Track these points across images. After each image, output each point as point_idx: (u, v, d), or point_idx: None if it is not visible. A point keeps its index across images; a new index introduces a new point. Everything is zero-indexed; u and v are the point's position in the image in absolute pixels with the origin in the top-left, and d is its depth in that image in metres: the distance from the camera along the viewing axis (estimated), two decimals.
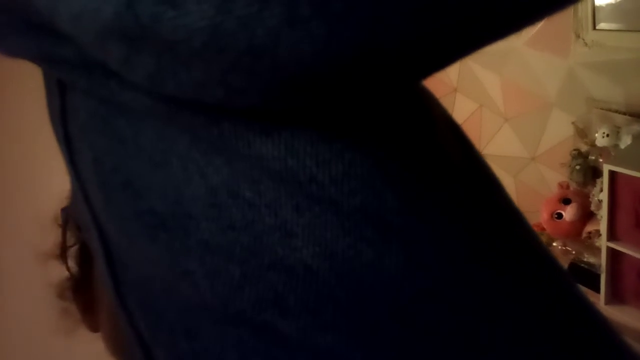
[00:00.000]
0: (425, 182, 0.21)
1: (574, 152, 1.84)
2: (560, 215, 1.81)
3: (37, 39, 0.20)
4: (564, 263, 1.81)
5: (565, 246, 1.85)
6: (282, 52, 0.15)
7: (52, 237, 0.32)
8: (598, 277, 1.66)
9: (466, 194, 0.23)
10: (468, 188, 0.23)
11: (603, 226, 1.59)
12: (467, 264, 0.21)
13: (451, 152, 0.23)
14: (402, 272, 0.20)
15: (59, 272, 0.34)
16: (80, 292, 0.33)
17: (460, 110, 2.28)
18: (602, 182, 1.59)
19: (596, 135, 1.72)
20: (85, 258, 0.32)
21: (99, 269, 0.25)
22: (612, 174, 1.52)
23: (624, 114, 1.71)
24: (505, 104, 2.14)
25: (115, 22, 0.15)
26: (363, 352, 0.20)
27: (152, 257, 0.21)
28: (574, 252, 1.83)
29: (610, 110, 1.75)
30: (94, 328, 0.34)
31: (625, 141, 1.64)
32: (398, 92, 0.22)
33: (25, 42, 0.21)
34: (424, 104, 0.24)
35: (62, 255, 0.33)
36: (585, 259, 1.78)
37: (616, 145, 1.67)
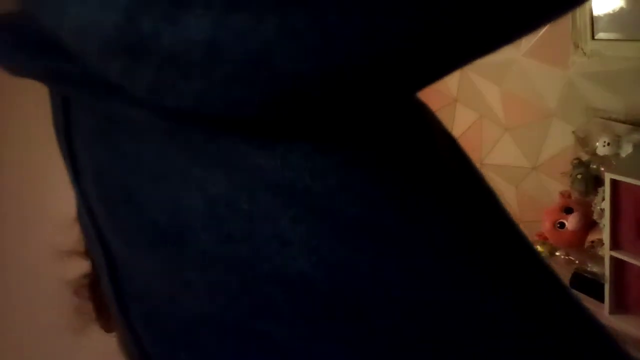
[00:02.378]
0: (422, 193, 0.21)
1: (575, 161, 1.84)
2: (562, 225, 1.81)
3: (43, 57, 0.21)
4: (567, 273, 1.80)
5: (568, 255, 1.84)
6: (279, 63, 0.16)
7: (70, 235, 0.32)
8: (602, 286, 1.65)
9: (463, 206, 0.23)
10: (465, 200, 0.23)
11: (606, 235, 1.58)
12: (465, 275, 0.21)
13: (448, 164, 0.24)
14: (398, 283, 0.20)
15: (73, 270, 0.34)
16: (98, 290, 0.33)
17: (461, 121, 2.28)
18: (603, 191, 1.59)
19: (597, 144, 1.73)
20: None
21: (102, 279, 0.25)
22: (614, 183, 1.52)
23: (624, 122, 1.71)
24: (506, 114, 2.15)
25: (117, 36, 0.16)
26: None
27: (153, 269, 0.22)
28: (577, 262, 1.82)
29: (610, 119, 1.75)
30: (108, 328, 0.34)
31: (626, 150, 1.65)
32: (396, 104, 0.23)
33: (30, 60, 0.22)
34: (421, 115, 0.24)
35: (86, 252, 0.33)
36: (588, 269, 1.78)
37: (617, 154, 1.68)
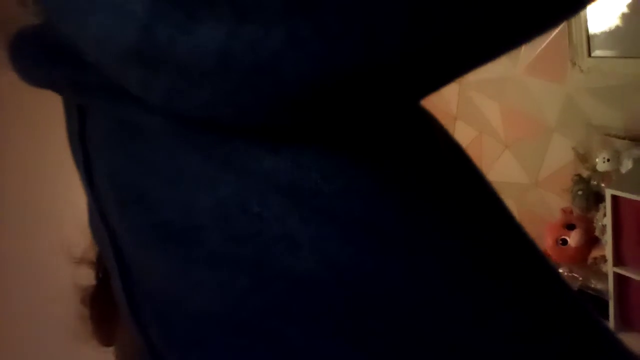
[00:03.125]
0: (426, 193, 0.22)
1: (576, 177, 1.85)
2: (565, 241, 1.80)
3: (62, 67, 0.22)
4: None
5: (571, 272, 1.83)
6: (286, 71, 0.16)
7: (81, 242, 0.33)
8: (606, 303, 1.64)
9: (467, 207, 0.23)
10: (468, 201, 0.24)
11: (608, 251, 1.58)
12: (467, 275, 0.21)
13: (451, 166, 0.24)
14: (403, 282, 0.20)
15: (82, 277, 0.34)
16: (99, 301, 0.33)
17: (461, 138, 2.30)
18: (605, 207, 1.58)
19: (597, 160, 1.73)
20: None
21: (114, 282, 0.26)
22: (615, 199, 1.52)
23: (624, 138, 1.72)
24: (505, 131, 2.16)
25: (134, 47, 0.17)
26: (366, 359, 0.20)
27: (164, 269, 0.22)
28: (580, 279, 1.81)
29: (609, 135, 1.76)
30: (105, 341, 0.34)
31: (627, 165, 1.65)
32: (400, 110, 0.23)
33: (50, 70, 0.23)
34: (425, 121, 0.25)
35: (98, 261, 0.33)
36: (592, 286, 1.76)
37: (617, 170, 1.68)
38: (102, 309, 0.33)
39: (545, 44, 1.87)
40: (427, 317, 0.20)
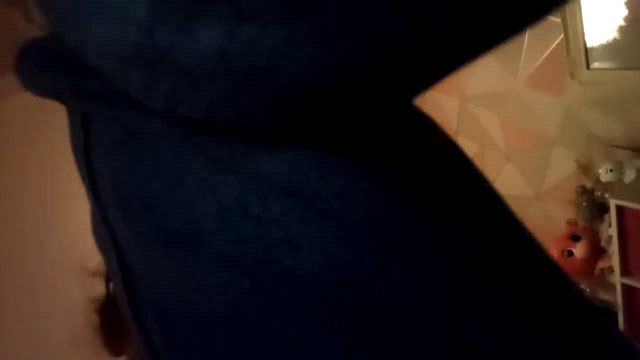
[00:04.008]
0: (426, 193, 0.22)
1: (579, 188, 1.84)
2: (571, 253, 1.79)
3: (68, 75, 0.23)
4: None
5: (578, 285, 1.82)
6: (283, 72, 0.17)
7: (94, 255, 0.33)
8: (615, 315, 1.62)
9: (467, 206, 0.24)
10: (468, 200, 0.24)
11: (615, 262, 1.57)
12: (467, 275, 0.22)
13: (450, 166, 0.25)
14: (403, 282, 0.20)
15: (96, 289, 0.34)
16: (109, 311, 0.34)
17: None
18: (610, 218, 1.58)
19: (599, 171, 1.73)
20: None
21: (116, 286, 0.26)
22: (620, 209, 1.51)
23: (625, 148, 1.72)
24: (507, 144, 2.17)
25: (136, 50, 0.17)
26: (367, 359, 0.20)
27: (168, 272, 0.22)
28: (588, 290, 1.79)
29: (611, 145, 1.76)
30: (115, 352, 0.34)
31: (629, 175, 1.65)
32: (398, 111, 0.24)
33: (56, 79, 0.23)
34: (422, 123, 0.25)
35: (105, 274, 0.34)
36: (600, 297, 1.75)
37: (620, 180, 1.68)
38: (112, 319, 0.33)
39: (543, 57, 1.89)
40: (427, 317, 0.21)
